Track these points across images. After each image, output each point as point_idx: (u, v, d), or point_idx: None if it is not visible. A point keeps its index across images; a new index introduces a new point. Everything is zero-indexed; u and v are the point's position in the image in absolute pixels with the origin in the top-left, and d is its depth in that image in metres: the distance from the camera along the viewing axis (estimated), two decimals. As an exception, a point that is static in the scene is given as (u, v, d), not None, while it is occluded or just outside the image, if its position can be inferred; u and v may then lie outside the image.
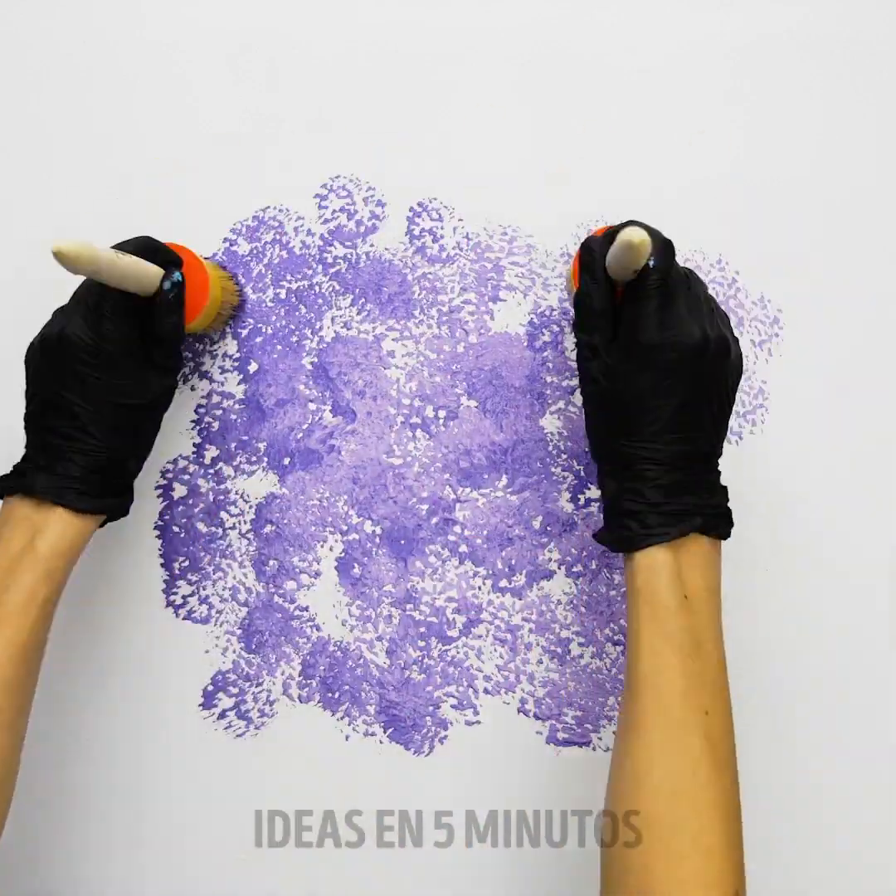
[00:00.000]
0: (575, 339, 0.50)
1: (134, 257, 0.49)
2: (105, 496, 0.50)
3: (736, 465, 0.59)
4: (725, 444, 0.50)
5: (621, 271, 0.46)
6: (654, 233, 0.47)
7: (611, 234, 0.48)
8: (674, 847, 0.42)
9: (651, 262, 0.46)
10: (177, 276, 0.51)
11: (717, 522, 0.47)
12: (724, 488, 0.49)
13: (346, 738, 0.61)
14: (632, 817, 0.43)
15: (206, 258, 0.59)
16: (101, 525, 0.52)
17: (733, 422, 0.60)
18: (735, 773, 0.44)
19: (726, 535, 0.48)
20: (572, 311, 0.53)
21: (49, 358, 0.49)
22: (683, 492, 0.46)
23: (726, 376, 0.48)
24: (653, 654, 0.45)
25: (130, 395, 0.50)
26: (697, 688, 0.44)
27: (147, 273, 0.50)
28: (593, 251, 0.48)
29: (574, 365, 0.60)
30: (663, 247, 0.47)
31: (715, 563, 0.47)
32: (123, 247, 0.50)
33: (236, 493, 0.61)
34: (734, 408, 0.53)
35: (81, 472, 0.49)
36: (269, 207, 0.61)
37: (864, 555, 0.59)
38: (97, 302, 0.49)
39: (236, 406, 0.61)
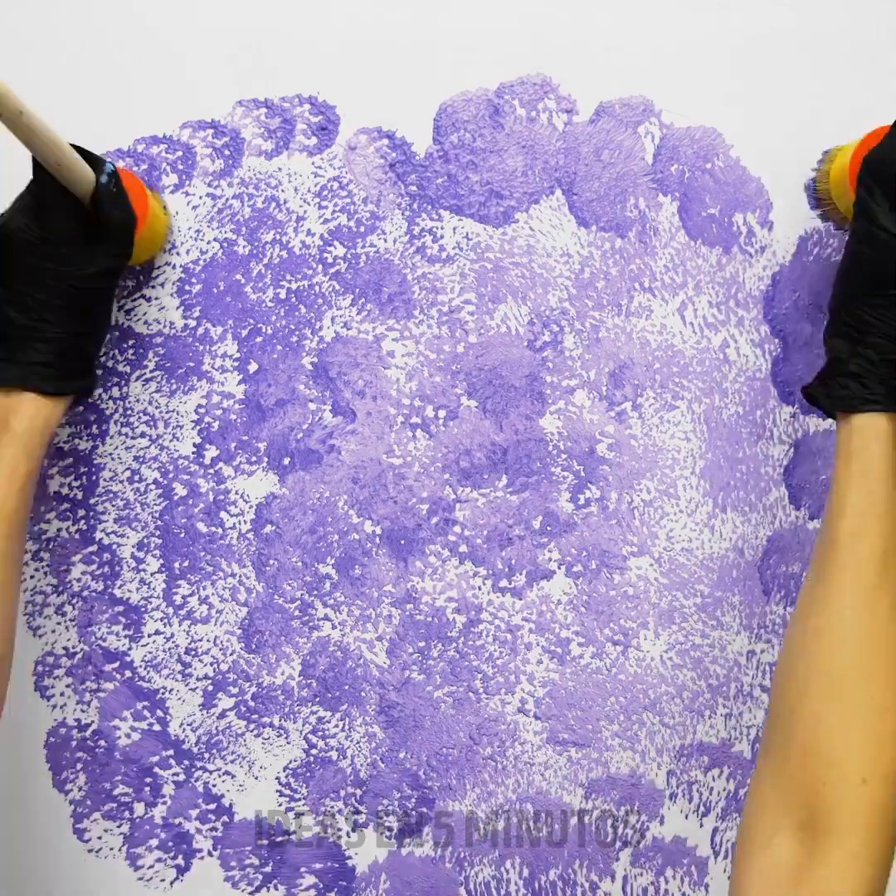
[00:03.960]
0: (857, 197, 0.49)
1: (66, 143, 0.49)
2: (69, 377, 0.53)
3: None
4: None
5: None
6: None
7: None
8: (849, 700, 0.43)
9: None
10: (110, 166, 0.52)
11: None
12: None
13: (347, 736, 0.61)
14: (809, 668, 0.44)
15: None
16: (70, 408, 0.57)
17: None
18: None
19: None
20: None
21: None
22: None
23: None
24: (857, 514, 0.45)
25: (82, 279, 0.51)
26: None
27: (80, 165, 0.49)
28: None
29: (574, 365, 0.60)
30: None
31: None
32: None
33: (236, 493, 0.61)
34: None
35: (44, 358, 0.51)
36: (270, 205, 0.61)
37: None
38: (39, 196, 0.50)
39: (236, 406, 0.61)
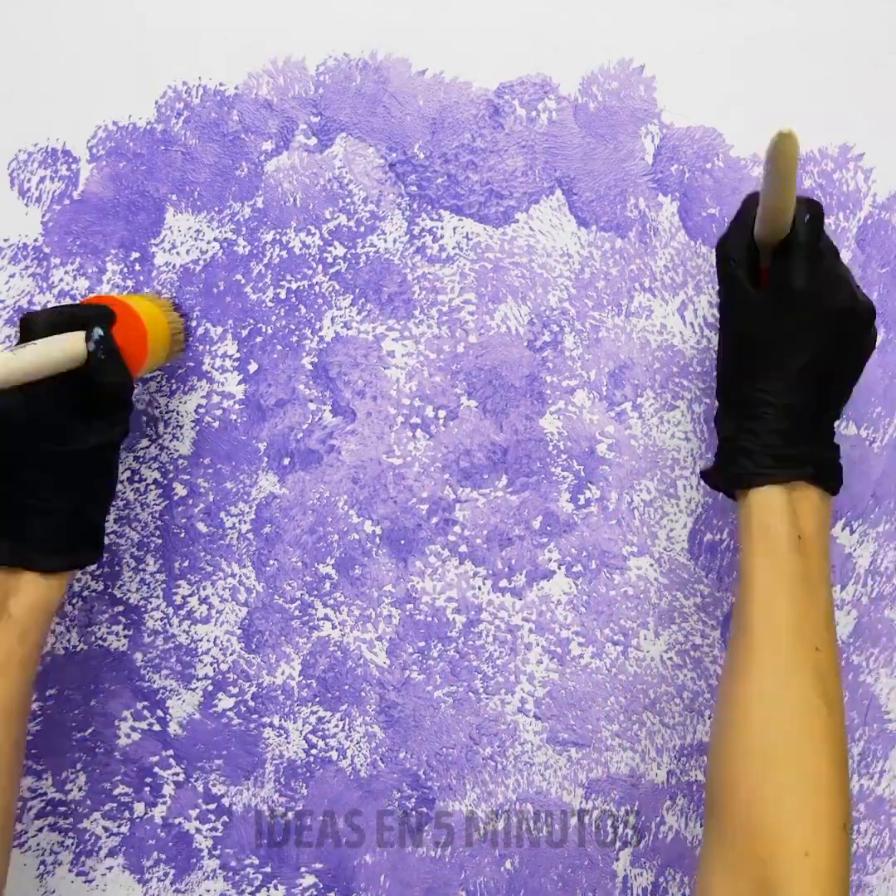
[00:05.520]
0: (719, 282, 0.50)
1: (42, 343, 0.45)
2: (74, 549, 0.49)
3: None
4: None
5: (774, 198, 0.45)
6: (806, 198, 0.47)
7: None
8: (781, 779, 0.43)
9: (806, 218, 0.47)
10: (97, 331, 0.47)
11: (829, 475, 0.48)
12: (837, 446, 0.49)
13: (347, 736, 0.61)
14: (739, 748, 0.44)
15: (143, 292, 0.57)
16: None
17: None
18: (843, 709, 0.45)
19: (835, 491, 0.49)
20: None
21: None
22: (799, 440, 0.47)
23: (864, 345, 0.49)
24: (766, 590, 0.46)
25: (77, 455, 0.48)
26: (809, 625, 0.45)
27: (65, 347, 0.45)
28: (747, 202, 0.50)
29: (574, 365, 0.60)
30: (814, 209, 0.47)
31: (826, 514, 0.48)
32: (31, 327, 0.47)
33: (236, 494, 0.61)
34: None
35: (44, 533, 0.48)
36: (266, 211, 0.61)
37: None
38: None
39: (236, 406, 0.61)
